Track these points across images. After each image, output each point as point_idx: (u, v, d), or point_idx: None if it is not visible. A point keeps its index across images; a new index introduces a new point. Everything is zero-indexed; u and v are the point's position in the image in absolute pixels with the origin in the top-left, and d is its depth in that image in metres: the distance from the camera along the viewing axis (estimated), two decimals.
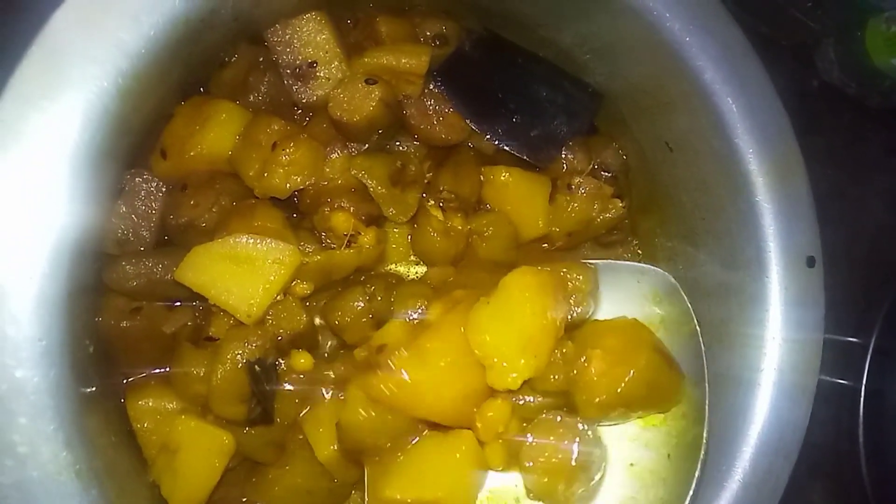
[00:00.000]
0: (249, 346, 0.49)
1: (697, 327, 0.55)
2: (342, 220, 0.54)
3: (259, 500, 0.55)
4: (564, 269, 0.54)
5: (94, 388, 0.48)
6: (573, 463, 0.51)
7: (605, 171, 0.64)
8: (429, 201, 0.59)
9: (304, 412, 0.54)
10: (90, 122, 0.44)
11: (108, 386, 0.52)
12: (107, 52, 0.44)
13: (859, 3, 0.77)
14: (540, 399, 0.54)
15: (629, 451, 0.56)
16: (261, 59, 0.57)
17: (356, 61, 0.57)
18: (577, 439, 0.52)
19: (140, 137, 0.51)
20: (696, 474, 0.52)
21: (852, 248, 0.82)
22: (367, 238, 0.55)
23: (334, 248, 0.54)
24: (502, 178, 0.60)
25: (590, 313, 0.56)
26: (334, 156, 0.55)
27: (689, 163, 0.59)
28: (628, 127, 0.63)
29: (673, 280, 0.57)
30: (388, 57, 0.56)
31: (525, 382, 0.50)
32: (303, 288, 0.53)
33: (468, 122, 0.59)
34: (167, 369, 0.53)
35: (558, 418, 0.53)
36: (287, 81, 0.56)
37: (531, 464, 0.52)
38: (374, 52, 0.57)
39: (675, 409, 0.56)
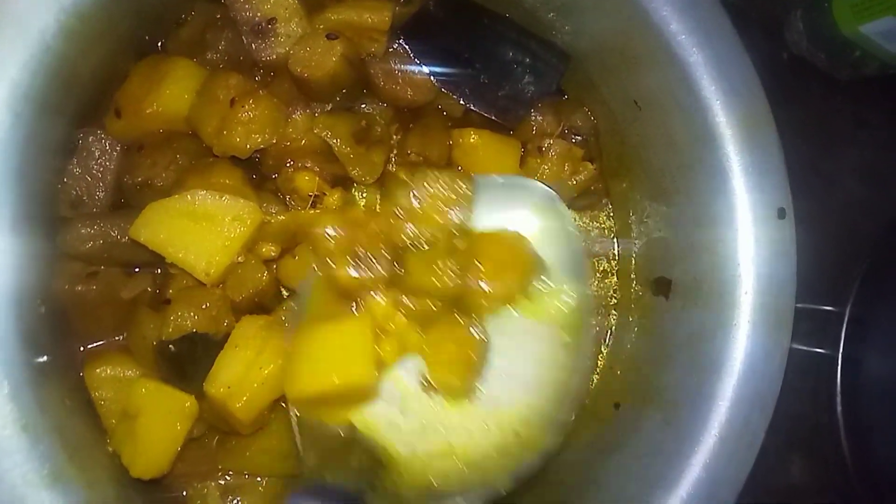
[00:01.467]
0: (200, 310, 0.48)
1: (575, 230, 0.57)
2: (306, 181, 0.53)
3: (233, 467, 0.53)
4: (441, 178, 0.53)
5: (46, 358, 0.46)
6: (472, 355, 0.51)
7: (575, 135, 0.63)
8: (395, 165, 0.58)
9: None
10: (31, 62, 0.42)
11: (64, 356, 0.50)
12: None
13: None
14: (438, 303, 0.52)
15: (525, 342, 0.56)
16: (218, 16, 0.55)
17: (317, 17, 0.56)
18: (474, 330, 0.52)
19: (91, 94, 0.50)
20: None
21: (825, 220, 0.82)
22: (333, 199, 0.54)
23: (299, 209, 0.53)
24: (471, 140, 0.59)
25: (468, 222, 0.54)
26: (297, 115, 0.54)
27: (658, 120, 0.58)
28: (596, 88, 0.62)
29: (551, 191, 0.57)
30: (350, 13, 0.55)
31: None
32: (269, 249, 0.52)
33: (433, 81, 0.58)
34: (125, 337, 0.51)
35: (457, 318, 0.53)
36: (246, 39, 0.54)
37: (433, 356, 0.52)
38: (335, 8, 0.56)
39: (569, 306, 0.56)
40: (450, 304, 0.52)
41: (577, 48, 0.61)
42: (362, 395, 0.49)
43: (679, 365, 0.56)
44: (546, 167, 0.60)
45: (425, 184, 0.50)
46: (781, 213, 0.54)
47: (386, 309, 0.49)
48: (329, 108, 0.56)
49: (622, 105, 0.61)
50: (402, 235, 0.50)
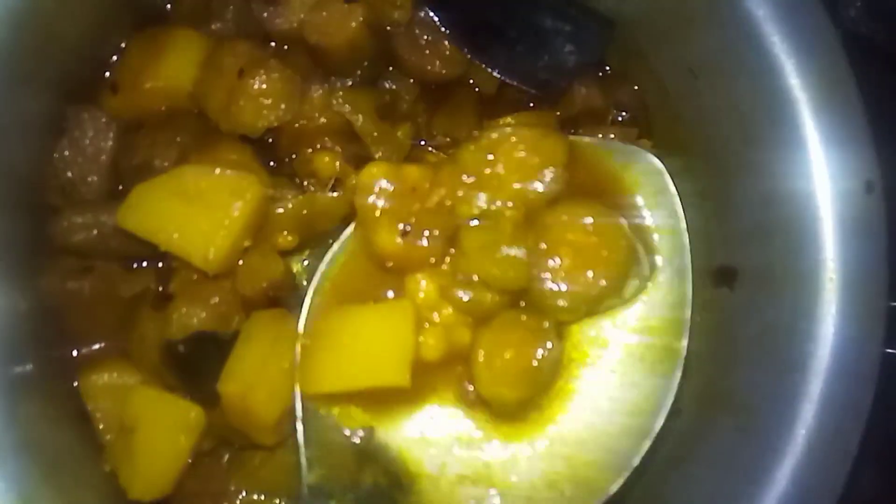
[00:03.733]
0: (207, 305, 0.42)
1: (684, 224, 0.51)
2: (325, 162, 0.48)
3: (248, 486, 0.47)
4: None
5: (30, 366, 0.41)
6: (535, 364, 0.45)
7: (622, 112, 0.57)
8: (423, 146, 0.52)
9: None
10: (9, 16, 0.37)
11: (53, 362, 0.45)
12: None
13: None
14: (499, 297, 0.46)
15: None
16: None
17: None
18: (541, 339, 0.45)
19: (83, 66, 0.45)
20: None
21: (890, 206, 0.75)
22: (356, 182, 0.48)
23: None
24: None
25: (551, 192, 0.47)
26: (314, 91, 0.48)
27: (718, 88, 0.52)
28: (644, 58, 0.56)
29: (660, 164, 0.51)
30: None
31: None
32: (286, 239, 0.46)
33: (464, 52, 0.52)
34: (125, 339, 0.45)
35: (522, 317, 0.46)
36: (256, 8, 0.49)
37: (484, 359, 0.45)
38: None
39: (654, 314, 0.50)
40: (515, 298, 0.45)
41: (622, 14, 0.55)
42: (394, 396, 0.43)
43: (751, 364, 0.50)
44: None
45: (507, 140, 0.43)
46: (869, 187, 0.47)
47: (433, 295, 0.43)
48: (350, 84, 0.50)
49: (675, 75, 0.54)
50: (468, 206, 0.43)
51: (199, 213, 0.42)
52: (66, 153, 0.46)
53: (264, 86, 0.46)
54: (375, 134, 0.48)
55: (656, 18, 0.53)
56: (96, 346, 0.46)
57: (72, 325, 0.46)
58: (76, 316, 0.45)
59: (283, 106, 0.47)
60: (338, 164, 0.48)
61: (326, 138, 0.48)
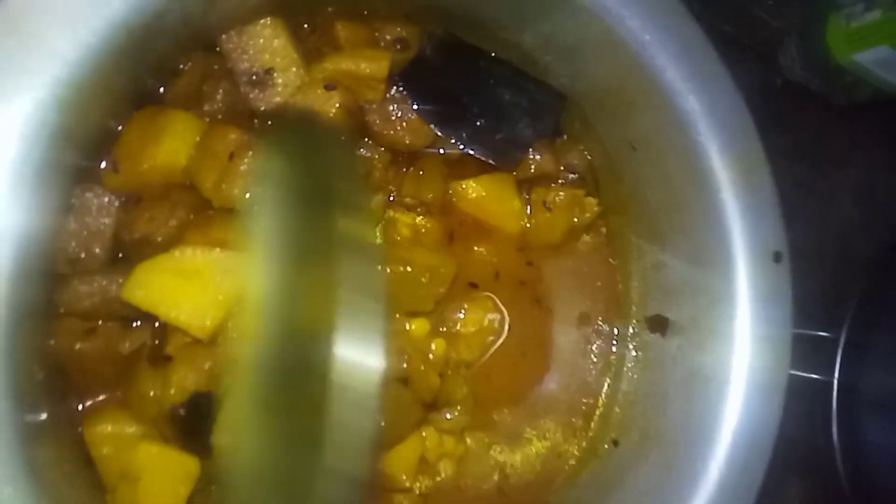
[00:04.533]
0: (202, 370, 0.48)
1: None
2: None
3: None
4: None
5: (44, 417, 0.46)
6: None
7: (571, 173, 0.64)
8: (393, 211, 0.59)
9: None
10: (28, 135, 0.42)
11: (61, 414, 0.50)
12: (41, 60, 0.42)
13: (820, 0, 0.78)
14: None
15: None
16: (215, 67, 0.56)
17: (315, 67, 0.56)
18: None
19: (88, 151, 0.50)
20: None
21: (821, 244, 0.82)
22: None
23: None
24: (472, 194, 0.61)
25: None
26: None
27: (653, 161, 0.58)
28: (592, 128, 0.62)
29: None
30: (348, 62, 0.56)
31: None
32: None
33: (432, 126, 0.58)
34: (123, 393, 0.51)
35: None
36: (243, 89, 0.55)
37: None
38: (333, 57, 0.56)
39: None
40: None
41: (574, 90, 0.61)
42: None
43: (679, 405, 0.57)
44: (558, 219, 0.62)
45: None
46: (777, 257, 0.54)
47: None
48: None
49: (617, 145, 0.61)
50: None
51: (195, 288, 0.47)
52: (73, 226, 0.51)
53: (252, 166, 0.51)
54: None
55: (602, 98, 0.59)
56: (100, 398, 0.51)
57: (76, 380, 0.51)
58: (81, 372, 0.50)
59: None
60: None
61: None
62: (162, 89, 0.56)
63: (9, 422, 0.42)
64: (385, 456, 0.56)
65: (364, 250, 0.33)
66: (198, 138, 0.53)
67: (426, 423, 0.58)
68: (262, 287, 0.37)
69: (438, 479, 0.60)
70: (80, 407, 0.52)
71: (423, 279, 0.56)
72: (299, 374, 0.34)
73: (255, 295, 0.38)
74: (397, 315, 0.57)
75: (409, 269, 0.55)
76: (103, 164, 0.53)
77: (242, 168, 0.51)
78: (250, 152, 0.51)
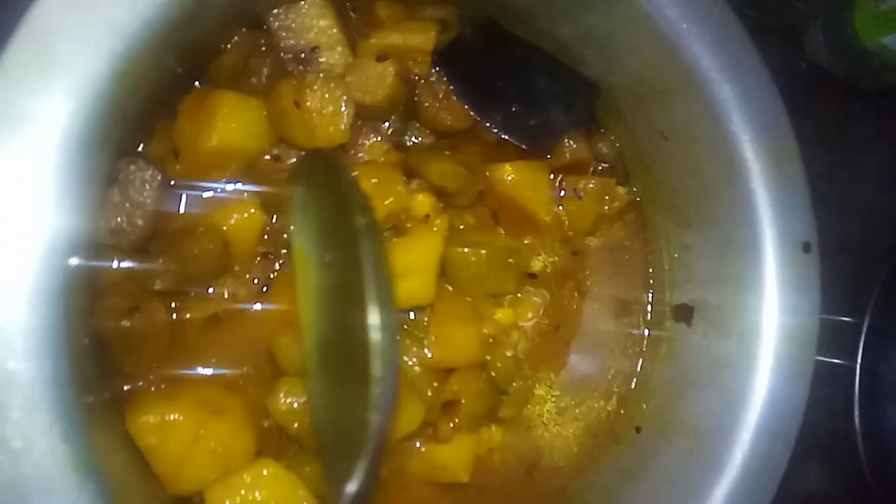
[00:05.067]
0: None
1: None
2: (422, 201, 0.56)
3: None
4: None
5: (92, 398, 0.47)
6: None
7: (602, 163, 0.64)
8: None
9: None
10: (84, 106, 0.43)
11: (108, 397, 0.51)
12: (100, 32, 0.43)
13: None
14: None
15: None
16: (262, 42, 0.57)
17: (363, 43, 0.57)
18: None
19: (134, 124, 0.51)
20: None
21: (844, 230, 0.82)
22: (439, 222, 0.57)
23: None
24: (507, 178, 0.62)
25: None
26: (369, 141, 0.56)
27: (684, 151, 0.59)
28: (623, 117, 0.63)
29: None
30: (395, 36, 0.57)
31: None
32: None
33: (467, 109, 0.59)
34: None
35: None
36: (289, 67, 0.56)
37: None
38: (380, 32, 0.57)
39: None
40: None
41: (607, 80, 0.61)
42: None
43: (703, 392, 0.58)
44: (587, 205, 0.63)
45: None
46: (806, 248, 0.54)
47: None
48: (389, 129, 0.58)
49: (648, 135, 0.61)
50: None
51: None
52: (117, 199, 0.52)
53: (319, 102, 0.53)
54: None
55: (635, 88, 0.60)
56: (140, 384, 0.53)
57: (122, 360, 0.52)
58: (126, 350, 0.52)
59: (344, 107, 0.53)
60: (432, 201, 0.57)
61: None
62: (206, 66, 0.57)
63: (68, 402, 0.43)
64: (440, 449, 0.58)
65: (376, 238, 0.43)
66: (247, 115, 0.54)
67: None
68: (310, 283, 0.48)
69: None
70: (125, 388, 0.53)
71: (510, 259, 0.59)
72: (344, 342, 0.44)
73: (305, 287, 0.48)
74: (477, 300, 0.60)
75: (486, 251, 0.57)
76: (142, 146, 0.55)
77: (310, 105, 0.53)
78: (306, 90, 0.53)
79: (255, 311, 0.56)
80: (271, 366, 0.55)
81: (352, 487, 0.41)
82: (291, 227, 0.50)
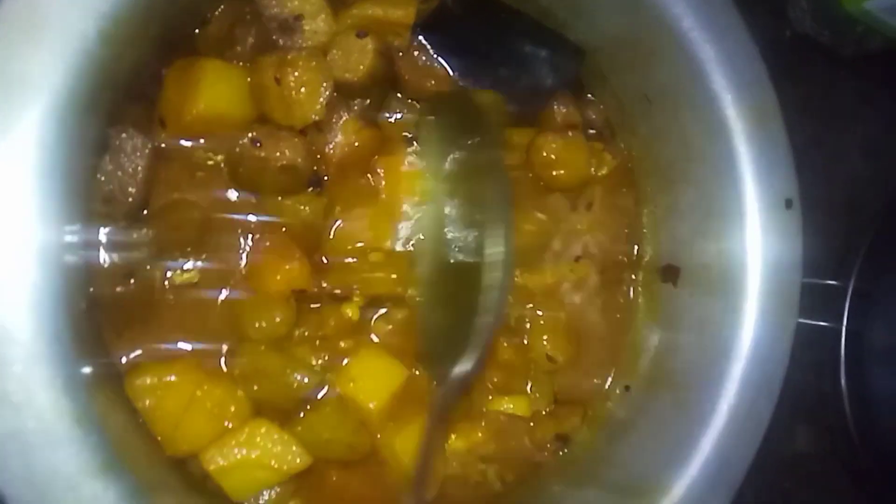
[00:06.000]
0: None
1: None
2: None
3: None
4: None
5: (89, 366, 0.48)
6: None
7: (590, 128, 0.65)
8: None
9: None
10: (73, 68, 0.44)
11: (105, 366, 0.52)
12: None
13: None
14: None
15: None
16: (247, 10, 0.57)
17: (343, 14, 0.57)
18: None
19: (123, 91, 0.51)
20: None
21: (830, 196, 0.84)
22: None
23: None
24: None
25: None
26: (344, 119, 0.56)
27: (668, 114, 0.60)
28: (608, 82, 0.63)
29: None
30: (375, 8, 0.57)
31: None
32: None
33: (454, 74, 0.59)
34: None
35: None
36: (273, 35, 0.56)
37: None
38: (360, 3, 0.58)
39: None
40: None
41: (589, 43, 0.62)
42: None
43: (688, 349, 0.59)
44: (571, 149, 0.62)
45: None
46: (788, 204, 0.55)
47: None
48: (367, 103, 0.58)
49: (633, 99, 0.62)
50: None
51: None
52: (109, 167, 0.53)
53: (301, 77, 0.54)
54: None
55: (618, 52, 0.61)
56: (137, 353, 0.54)
57: (118, 327, 0.53)
58: (122, 319, 0.53)
59: (322, 81, 0.54)
60: None
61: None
62: (192, 34, 0.57)
63: (69, 360, 0.44)
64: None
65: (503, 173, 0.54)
66: (233, 82, 0.55)
67: None
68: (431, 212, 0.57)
69: None
70: (122, 360, 0.54)
71: None
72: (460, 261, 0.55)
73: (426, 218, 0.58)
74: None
75: None
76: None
77: (294, 83, 0.54)
78: (288, 67, 0.53)
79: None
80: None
81: (464, 367, 0.53)
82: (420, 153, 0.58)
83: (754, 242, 0.56)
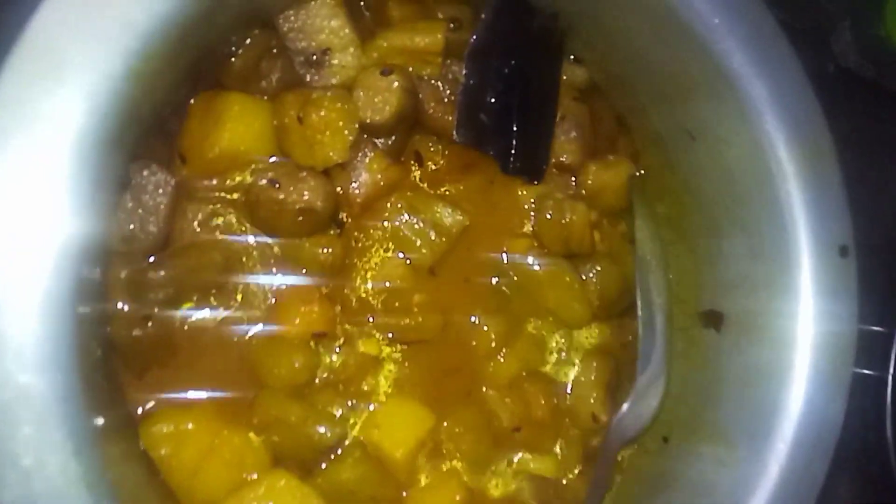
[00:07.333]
0: None
1: None
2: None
3: None
4: None
5: (104, 417, 0.46)
6: None
7: None
8: None
9: None
10: (98, 106, 0.42)
11: (121, 415, 0.50)
12: (116, 30, 0.42)
13: None
14: None
15: None
16: (273, 43, 0.55)
17: (369, 45, 0.55)
18: None
19: (147, 126, 0.49)
20: None
21: (873, 235, 0.79)
22: None
23: None
24: None
25: None
26: (369, 157, 0.55)
27: (712, 150, 0.56)
28: (647, 115, 0.61)
29: None
30: (402, 37, 0.55)
31: None
32: None
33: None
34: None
35: None
36: (300, 70, 0.54)
37: None
38: (386, 33, 0.56)
39: None
40: None
41: (629, 75, 0.60)
42: None
43: (732, 401, 0.55)
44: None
45: None
46: (843, 252, 0.52)
47: None
48: (392, 141, 0.56)
49: (674, 133, 0.59)
50: None
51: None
52: (130, 204, 0.51)
53: (324, 118, 0.52)
54: None
55: (659, 82, 0.58)
56: (153, 399, 0.52)
57: (134, 371, 0.51)
58: (139, 359, 0.51)
59: (344, 130, 0.53)
60: None
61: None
62: (219, 72, 0.56)
63: (80, 419, 0.42)
64: None
65: None
66: (259, 118, 0.53)
67: None
68: None
69: None
70: (139, 411, 0.52)
71: None
72: None
73: None
74: None
75: None
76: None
77: (317, 124, 0.52)
78: (312, 107, 0.52)
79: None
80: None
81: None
82: None
83: (806, 291, 0.52)
